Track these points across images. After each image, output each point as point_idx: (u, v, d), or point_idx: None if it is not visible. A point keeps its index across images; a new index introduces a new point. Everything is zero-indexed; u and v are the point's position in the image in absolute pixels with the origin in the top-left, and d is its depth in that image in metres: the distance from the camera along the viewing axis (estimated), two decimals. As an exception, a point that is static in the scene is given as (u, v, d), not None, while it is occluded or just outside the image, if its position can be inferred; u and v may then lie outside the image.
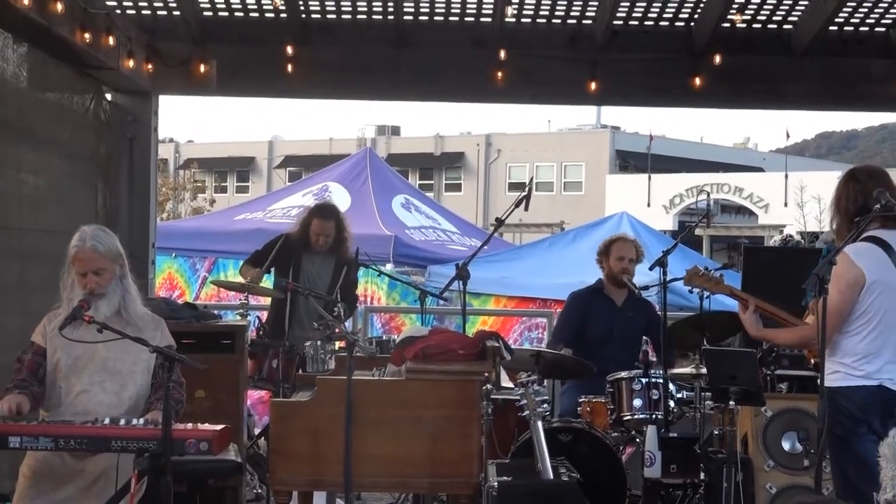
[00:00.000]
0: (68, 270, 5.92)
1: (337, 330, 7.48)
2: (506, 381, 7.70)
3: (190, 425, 5.58)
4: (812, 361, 8.26)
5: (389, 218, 17.39)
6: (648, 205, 49.20)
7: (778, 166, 52.93)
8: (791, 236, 10.17)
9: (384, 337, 9.31)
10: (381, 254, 15.18)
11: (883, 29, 10.31)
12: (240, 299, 9.58)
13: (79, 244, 5.87)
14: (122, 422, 5.50)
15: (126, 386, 5.89)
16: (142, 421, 5.52)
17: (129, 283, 6.03)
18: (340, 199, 16.25)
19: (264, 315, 9.85)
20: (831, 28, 10.19)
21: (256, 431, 9.44)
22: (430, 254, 15.98)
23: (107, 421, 5.50)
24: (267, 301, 11.38)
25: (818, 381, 5.88)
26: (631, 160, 58.95)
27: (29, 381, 5.81)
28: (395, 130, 68.13)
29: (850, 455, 6.04)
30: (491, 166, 61.72)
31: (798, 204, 37.51)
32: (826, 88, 10.48)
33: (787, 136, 60.59)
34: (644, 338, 8.24)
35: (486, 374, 6.34)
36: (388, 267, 15.59)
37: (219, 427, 5.56)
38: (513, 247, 20.60)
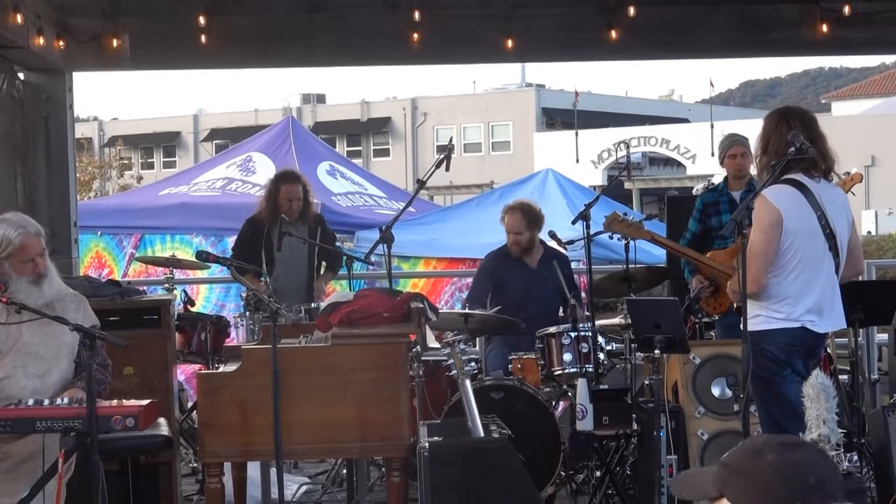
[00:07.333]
0: None
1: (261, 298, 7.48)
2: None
3: (115, 402, 5.56)
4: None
5: (315, 185, 17.25)
6: (577, 161, 49.45)
7: (703, 117, 53.31)
8: (713, 184, 10.22)
9: (313, 304, 9.26)
10: (308, 222, 15.10)
11: (794, -27, 10.35)
12: (165, 274, 9.55)
13: (22, 231, 5.77)
14: (47, 402, 5.46)
15: (51, 371, 5.83)
16: (66, 400, 5.48)
17: (50, 262, 5.99)
18: (264, 168, 16.12)
19: (191, 289, 9.79)
20: (742, -25, 10.23)
21: (190, 405, 9.40)
22: (358, 219, 15.91)
23: (30, 402, 5.46)
24: (194, 274, 11.36)
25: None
26: (557, 117, 59.10)
27: None
28: (321, 98, 67.90)
29: (776, 397, 6.11)
30: (418, 130, 61.69)
31: (720, 153, 37.82)
32: (740, 36, 10.48)
33: (712, 85, 60.74)
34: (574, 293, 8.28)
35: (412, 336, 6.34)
36: (316, 234, 15.50)
37: (145, 402, 5.54)
38: (441, 208, 20.58)
